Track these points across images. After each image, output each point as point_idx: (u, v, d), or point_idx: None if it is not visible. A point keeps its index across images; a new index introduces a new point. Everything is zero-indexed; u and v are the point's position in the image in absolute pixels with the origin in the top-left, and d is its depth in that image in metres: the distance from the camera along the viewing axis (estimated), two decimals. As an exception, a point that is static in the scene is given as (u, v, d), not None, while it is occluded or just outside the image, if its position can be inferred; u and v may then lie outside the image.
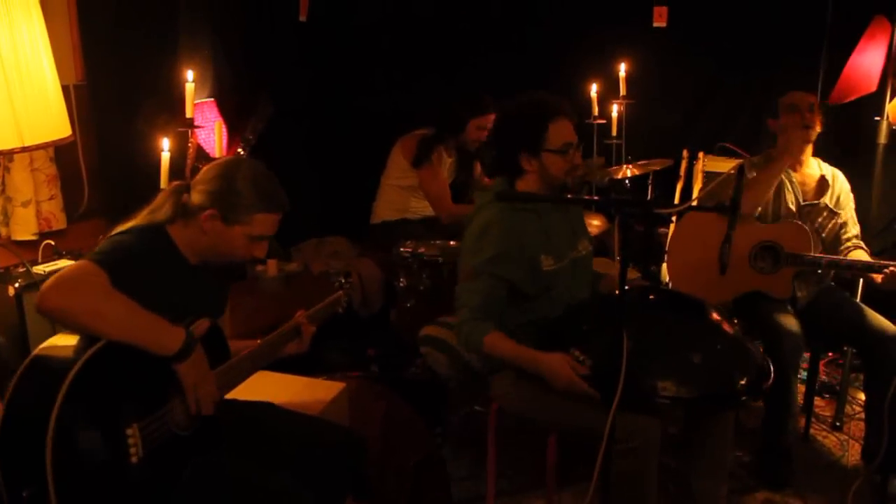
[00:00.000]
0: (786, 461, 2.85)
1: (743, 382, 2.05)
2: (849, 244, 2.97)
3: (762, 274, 2.88)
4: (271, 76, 3.95)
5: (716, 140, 3.82)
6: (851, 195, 3.03)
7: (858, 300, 3.08)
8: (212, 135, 3.30)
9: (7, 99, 1.74)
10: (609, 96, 4.06)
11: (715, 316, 2.23)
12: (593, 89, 4.06)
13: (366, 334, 3.62)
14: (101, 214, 3.03)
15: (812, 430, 3.20)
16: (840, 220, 2.97)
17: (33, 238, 2.72)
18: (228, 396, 1.90)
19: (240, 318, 2.90)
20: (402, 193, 3.81)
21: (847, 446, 3.12)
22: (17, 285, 2.35)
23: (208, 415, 1.74)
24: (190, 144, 2.96)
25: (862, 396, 3.05)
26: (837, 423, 3.26)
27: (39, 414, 1.45)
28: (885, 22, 3.52)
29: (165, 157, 2.64)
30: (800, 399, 3.04)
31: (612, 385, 1.71)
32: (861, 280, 3.16)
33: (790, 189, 2.94)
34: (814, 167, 3.01)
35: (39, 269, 2.46)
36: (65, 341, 1.60)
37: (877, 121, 3.53)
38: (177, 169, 2.75)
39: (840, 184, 3.00)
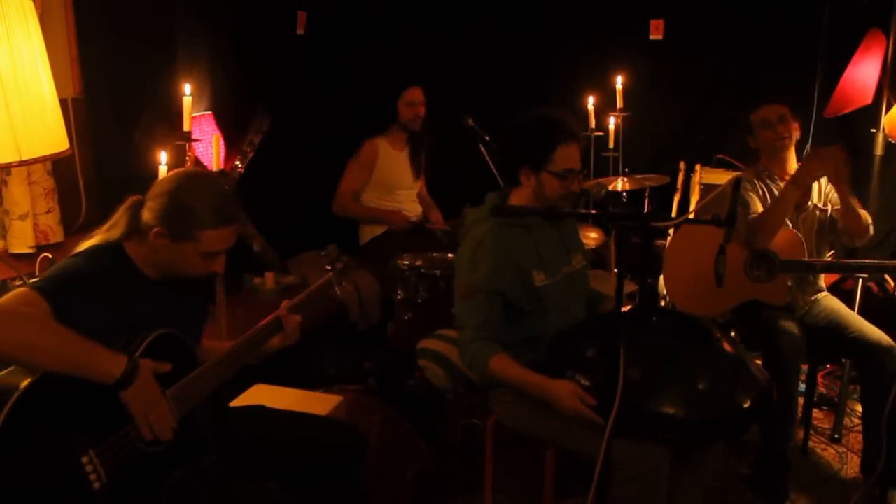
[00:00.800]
0: (785, 473, 2.83)
1: (747, 406, 2.00)
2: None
3: (758, 283, 2.88)
4: (269, 89, 3.96)
5: (713, 152, 3.85)
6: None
7: (856, 312, 3.08)
8: (209, 148, 3.29)
9: (5, 112, 1.74)
10: (606, 108, 4.08)
11: (716, 335, 2.19)
12: (590, 101, 4.08)
13: (363, 347, 3.61)
14: (98, 227, 3.02)
15: (811, 443, 3.19)
16: (832, 215, 2.96)
17: (31, 251, 2.71)
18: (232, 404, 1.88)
19: (237, 333, 2.88)
20: (374, 202, 3.91)
21: (846, 459, 3.11)
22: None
23: (168, 439, 1.66)
24: (187, 158, 2.95)
25: (860, 408, 3.04)
26: (836, 436, 3.25)
27: None
28: (881, 34, 3.55)
29: (163, 170, 2.64)
30: (798, 411, 3.04)
31: (619, 413, 1.70)
32: (858, 292, 3.16)
33: None
34: None
35: (36, 282, 2.45)
36: (9, 374, 1.57)
37: (872, 133, 3.55)
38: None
39: (824, 179, 2.98)
